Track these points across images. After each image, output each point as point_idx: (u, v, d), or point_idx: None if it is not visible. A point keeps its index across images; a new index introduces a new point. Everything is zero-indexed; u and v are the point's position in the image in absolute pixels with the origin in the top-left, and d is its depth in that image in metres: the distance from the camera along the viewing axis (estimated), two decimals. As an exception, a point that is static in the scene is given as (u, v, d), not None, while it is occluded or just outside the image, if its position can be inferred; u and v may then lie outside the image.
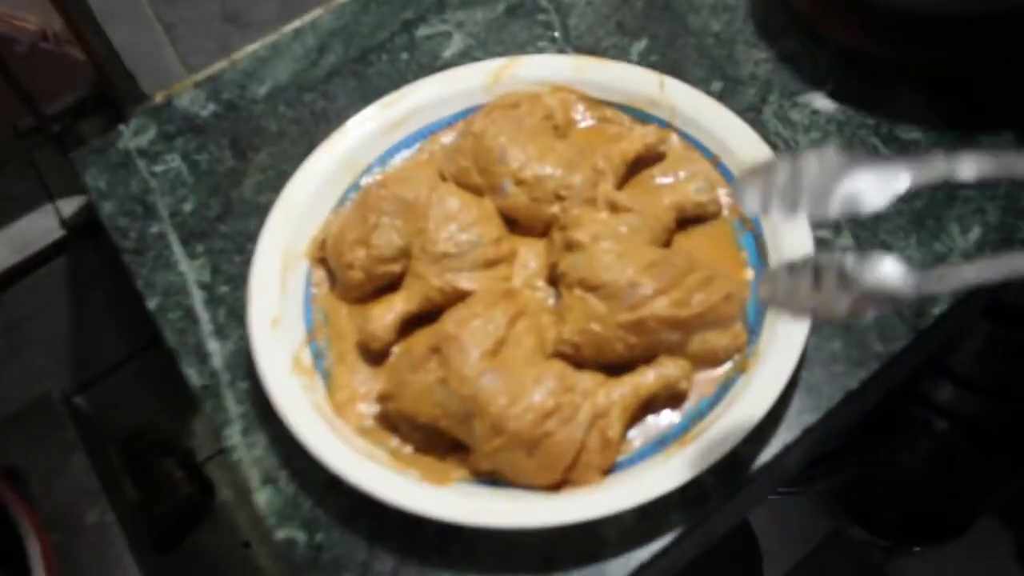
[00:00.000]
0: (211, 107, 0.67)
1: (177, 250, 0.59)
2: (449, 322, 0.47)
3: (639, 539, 0.45)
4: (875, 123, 0.60)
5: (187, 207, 0.61)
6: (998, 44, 0.58)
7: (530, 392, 0.45)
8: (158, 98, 0.68)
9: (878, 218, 0.55)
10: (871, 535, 1.25)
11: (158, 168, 0.64)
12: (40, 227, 0.72)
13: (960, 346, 1.11)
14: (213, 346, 0.54)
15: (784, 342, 0.47)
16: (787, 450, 0.47)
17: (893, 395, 1.12)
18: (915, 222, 0.55)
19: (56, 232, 0.73)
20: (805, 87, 0.62)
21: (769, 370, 0.46)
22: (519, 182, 0.54)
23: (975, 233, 0.55)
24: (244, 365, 0.53)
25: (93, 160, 0.65)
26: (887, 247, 0.54)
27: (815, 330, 0.50)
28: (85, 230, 0.73)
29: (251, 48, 0.70)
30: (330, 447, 0.47)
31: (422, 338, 0.49)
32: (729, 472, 0.46)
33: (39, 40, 0.72)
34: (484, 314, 0.48)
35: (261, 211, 0.60)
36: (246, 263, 0.57)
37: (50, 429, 0.64)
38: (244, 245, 0.59)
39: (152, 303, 0.57)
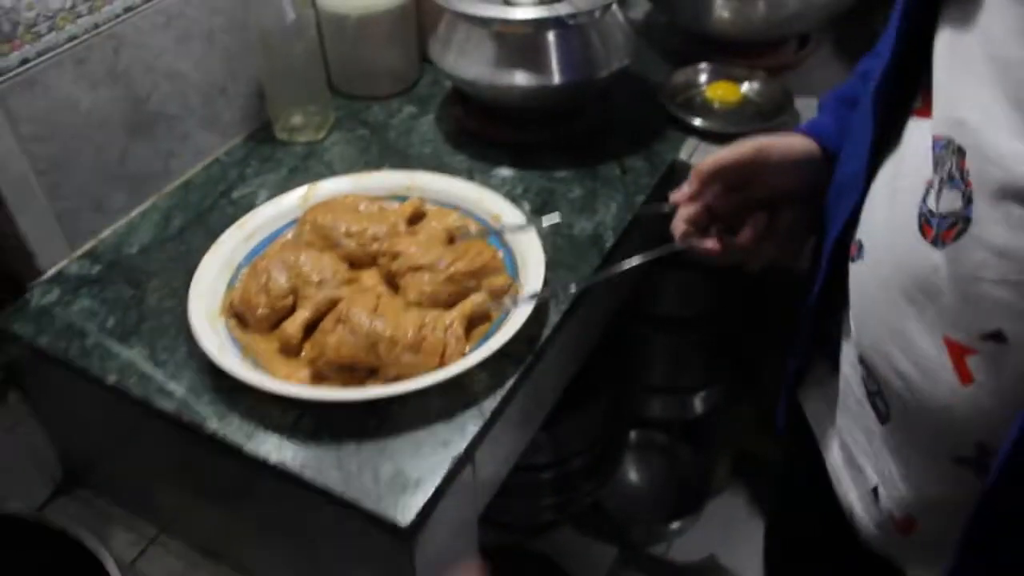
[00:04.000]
0: (97, 268, 0.91)
1: (116, 346, 0.82)
2: (342, 306, 0.77)
3: (489, 390, 0.75)
4: (524, 174, 1.01)
5: (110, 323, 0.84)
6: (558, 129, 1.03)
7: (406, 321, 0.75)
8: (51, 271, 0.91)
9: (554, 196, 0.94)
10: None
11: (74, 308, 0.86)
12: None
13: (650, 359, 1.53)
14: (173, 385, 0.77)
15: (532, 277, 0.82)
16: (556, 328, 0.81)
17: (616, 422, 1.50)
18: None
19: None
20: (491, 165, 1.02)
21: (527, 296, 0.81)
22: (348, 235, 0.86)
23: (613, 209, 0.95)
24: (205, 383, 0.77)
25: (13, 318, 0.85)
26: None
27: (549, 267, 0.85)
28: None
29: (112, 228, 0.96)
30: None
31: (327, 323, 0.77)
32: (528, 343, 0.79)
33: None
34: (357, 299, 0.78)
35: (168, 311, 0.85)
36: (173, 336, 0.82)
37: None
38: (168, 328, 0.83)
39: (111, 379, 0.79)
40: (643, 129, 1.08)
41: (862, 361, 0.63)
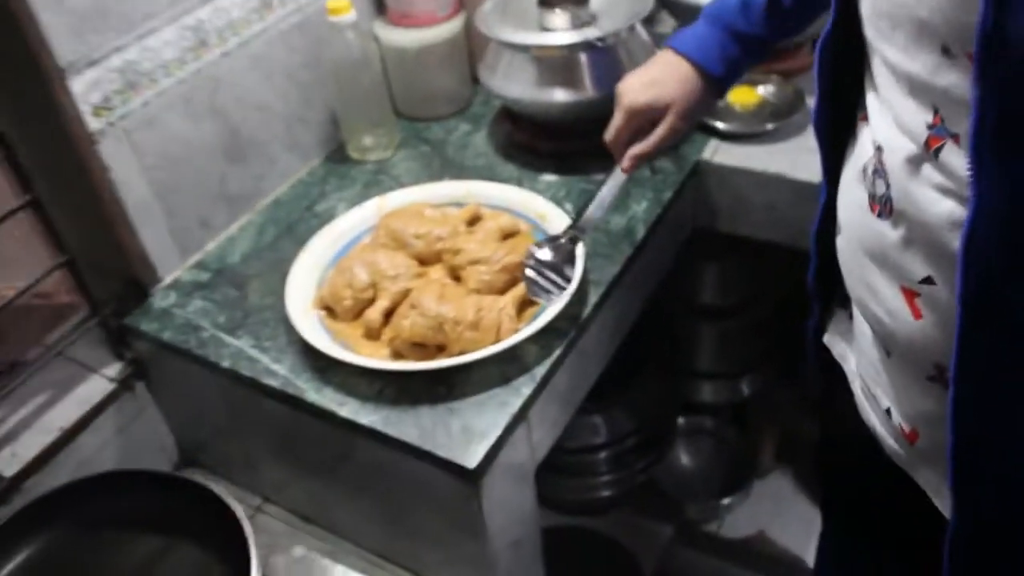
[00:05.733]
0: (206, 275, 1.08)
1: (227, 338, 0.98)
2: (413, 295, 0.92)
3: (539, 359, 0.89)
4: (567, 179, 1.14)
5: (220, 319, 1.01)
6: (595, 138, 1.15)
7: (467, 305, 0.89)
8: (168, 279, 1.07)
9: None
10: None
11: (190, 309, 1.03)
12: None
13: (696, 346, 1.64)
14: (277, 366, 0.93)
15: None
16: (595, 307, 0.95)
17: (666, 404, 1.61)
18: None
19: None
20: (537, 172, 1.16)
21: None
22: (417, 237, 1.01)
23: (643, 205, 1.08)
24: (303, 364, 0.92)
25: (141, 318, 1.02)
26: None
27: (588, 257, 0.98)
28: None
29: (216, 241, 1.13)
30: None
31: (402, 309, 0.92)
32: (572, 319, 0.92)
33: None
34: (426, 288, 0.92)
35: (268, 308, 1.01)
36: (273, 327, 0.97)
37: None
38: (268, 321, 0.98)
39: (225, 364, 0.95)
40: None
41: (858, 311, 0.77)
